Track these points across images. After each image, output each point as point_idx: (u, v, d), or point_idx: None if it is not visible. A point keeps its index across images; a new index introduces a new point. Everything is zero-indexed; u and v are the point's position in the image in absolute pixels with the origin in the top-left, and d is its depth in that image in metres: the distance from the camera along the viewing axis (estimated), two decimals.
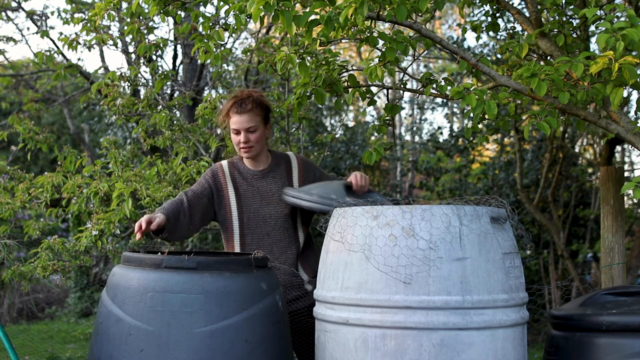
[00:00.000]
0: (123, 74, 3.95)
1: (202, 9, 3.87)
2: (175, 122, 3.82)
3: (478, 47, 7.35)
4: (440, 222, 2.13)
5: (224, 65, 5.57)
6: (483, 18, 3.79)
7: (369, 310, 2.15)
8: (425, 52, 3.98)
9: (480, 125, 3.77)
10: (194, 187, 2.98)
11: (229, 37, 3.19)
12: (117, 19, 4.03)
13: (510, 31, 3.89)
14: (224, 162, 3.05)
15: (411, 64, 3.60)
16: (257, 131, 2.92)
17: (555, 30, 3.09)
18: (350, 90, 3.09)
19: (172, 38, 6.37)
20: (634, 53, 2.68)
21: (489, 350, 2.12)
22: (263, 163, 3.02)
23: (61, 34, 6.16)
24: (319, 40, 2.69)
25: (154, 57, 5.00)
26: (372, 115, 11.14)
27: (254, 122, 2.90)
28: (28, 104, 5.99)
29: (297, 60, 2.73)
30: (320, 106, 8.42)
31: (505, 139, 7.98)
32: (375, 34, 2.76)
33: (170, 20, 5.92)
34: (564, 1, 3.15)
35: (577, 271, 6.32)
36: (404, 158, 10.20)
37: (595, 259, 7.15)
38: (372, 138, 6.19)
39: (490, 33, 4.35)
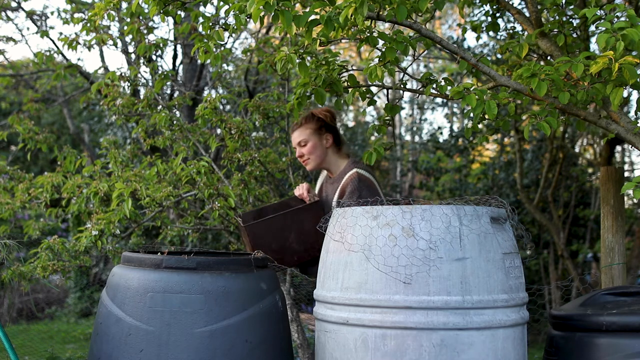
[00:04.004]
0: (123, 74, 3.94)
1: (202, 9, 3.86)
2: (175, 122, 3.81)
3: (478, 47, 7.34)
4: (440, 222, 2.13)
5: (224, 65, 5.57)
6: (483, 18, 3.79)
7: (369, 311, 2.15)
8: (425, 52, 3.98)
9: (480, 125, 3.76)
10: None
11: (229, 37, 3.19)
12: (117, 19, 4.03)
13: (510, 31, 3.88)
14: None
15: (411, 64, 3.59)
16: (308, 143, 3.17)
17: (555, 30, 3.09)
18: (350, 90, 3.08)
19: (172, 38, 6.38)
20: (634, 53, 2.68)
21: (489, 350, 2.12)
22: (334, 172, 3.25)
23: (61, 34, 6.16)
24: (319, 40, 2.68)
25: (153, 57, 5.00)
26: (372, 115, 11.14)
27: (304, 135, 3.17)
28: (28, 104, 6.00)
29: (297, 60, 2.73)
30: (320, 106, 8.40)
31: (505, 139, 7.98)
32: (375, 34, 2.75)
33: (170, 20, 5.92)
34: (564, 1, 3.15)
35: (577, 271, 6.32)
36: (404, 158, 10.21)
37: (595, 259, 7.15)
38: (372, 138, 6.20)
39: (490, 33, 4.34)
